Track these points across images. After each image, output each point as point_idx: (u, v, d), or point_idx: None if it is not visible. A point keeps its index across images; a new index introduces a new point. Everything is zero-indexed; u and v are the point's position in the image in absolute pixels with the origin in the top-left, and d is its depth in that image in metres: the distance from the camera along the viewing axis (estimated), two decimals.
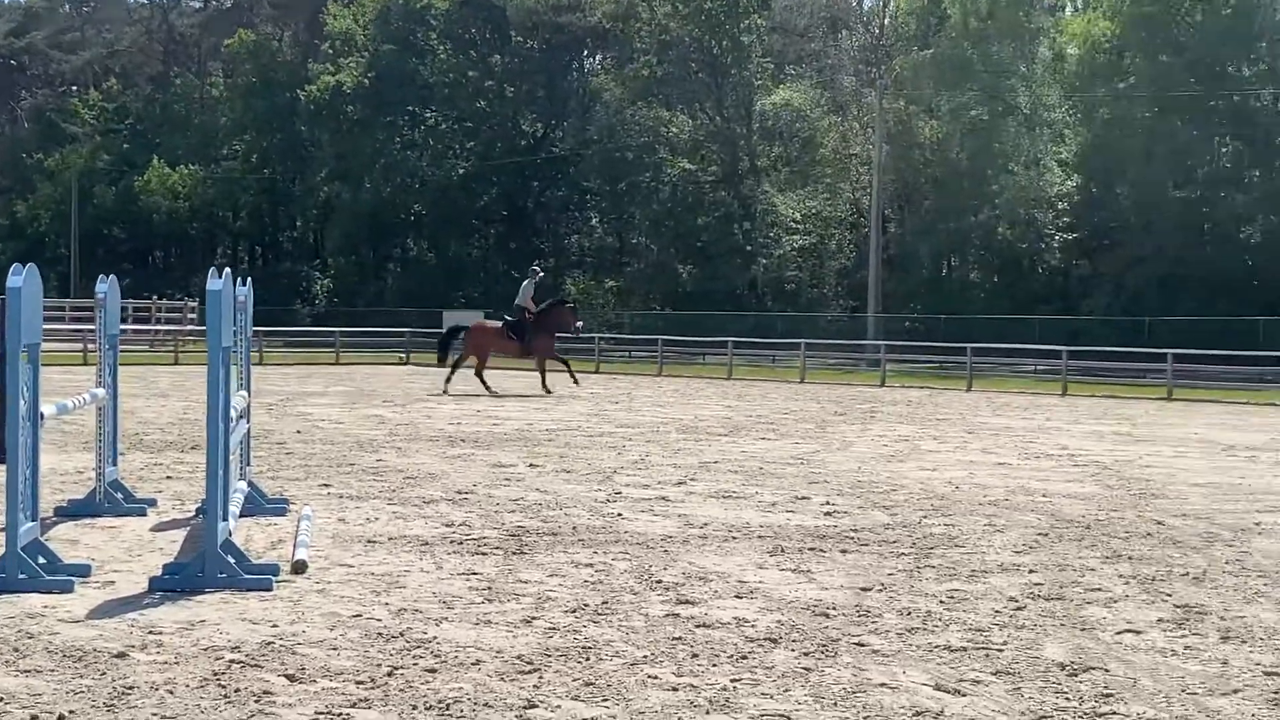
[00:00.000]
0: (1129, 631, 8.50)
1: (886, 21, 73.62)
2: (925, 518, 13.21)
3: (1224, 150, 55.95)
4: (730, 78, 69.99)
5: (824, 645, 7.93)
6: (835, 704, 6.75)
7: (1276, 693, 7.15)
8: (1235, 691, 7.18)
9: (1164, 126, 54.47)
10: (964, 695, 6.95)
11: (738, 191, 69.60)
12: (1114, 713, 6.72)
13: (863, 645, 7.94)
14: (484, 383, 33.29)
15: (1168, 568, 10.76)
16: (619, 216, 76.75)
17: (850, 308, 67.93)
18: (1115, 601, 9.42)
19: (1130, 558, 11.19)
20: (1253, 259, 56.12)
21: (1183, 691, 7.14)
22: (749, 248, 67.49)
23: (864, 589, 9.61)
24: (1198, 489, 16.18)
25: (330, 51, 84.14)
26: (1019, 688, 7.13)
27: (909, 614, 8.81)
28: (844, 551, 11.17)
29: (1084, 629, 8.55)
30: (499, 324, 34.66)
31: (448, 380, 33.36)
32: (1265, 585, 10.12)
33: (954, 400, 36.40)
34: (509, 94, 79.91)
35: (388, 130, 79.45)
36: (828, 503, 14.17)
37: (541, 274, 36.75)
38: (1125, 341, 48.24)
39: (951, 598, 9.40)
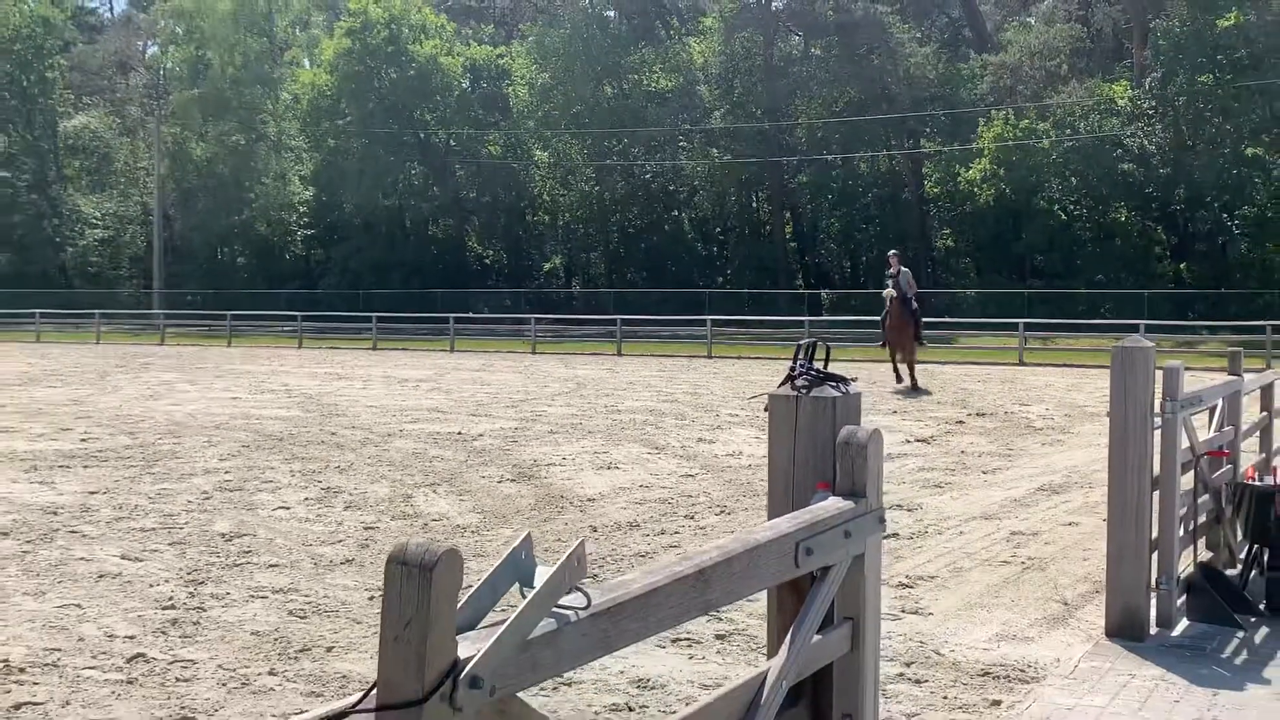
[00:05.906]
0: (281, 508, 8.93)
1: (166, 65, 69.82)
2: (159, 439, 13.03)
3: (414, 172, 57.86)
4: (37, 104, 64.14)
5: (45, 534, 7.79)
6: (39, 574, 6.70)
7: (366, 540, 7.82)
8: (339, 541, 7.78)
9: (371, 153, 55.65)
10: (141, 560, 7.10)
11: (46, 194, 63.86)
12: (249, 562, 7.12)
13: (75, 532, 7.87)
14: (897, 373, 20.95)
15: (326, 463, 11.28)
16: None
17: (142, 285, 64.33)
18: (280, 489, 9.82)
19: (302, 458, 11.62)
20: (436, 249, 58.90)
21: (303, 544, 7.66)
22: (58, 239, 62.51)
23: (92, 493, 9.45)
24: (370, 409, 16.87)
25: None
26: (185, 552, 7.37)
27: (121, 508, 8.78)
28: (86, 467, 10.87)
29: (249, 509, 8.89)
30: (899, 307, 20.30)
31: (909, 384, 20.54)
32: (389, 471, 10.87)
33: (217, 354, 35.57)
34: None
35: None
36: (86, 432, 13.64)
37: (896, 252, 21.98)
38: (349, 308, 49.55)
39: (159, 495, 9.43)
